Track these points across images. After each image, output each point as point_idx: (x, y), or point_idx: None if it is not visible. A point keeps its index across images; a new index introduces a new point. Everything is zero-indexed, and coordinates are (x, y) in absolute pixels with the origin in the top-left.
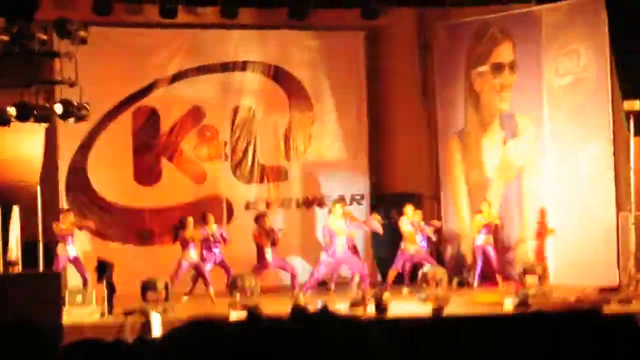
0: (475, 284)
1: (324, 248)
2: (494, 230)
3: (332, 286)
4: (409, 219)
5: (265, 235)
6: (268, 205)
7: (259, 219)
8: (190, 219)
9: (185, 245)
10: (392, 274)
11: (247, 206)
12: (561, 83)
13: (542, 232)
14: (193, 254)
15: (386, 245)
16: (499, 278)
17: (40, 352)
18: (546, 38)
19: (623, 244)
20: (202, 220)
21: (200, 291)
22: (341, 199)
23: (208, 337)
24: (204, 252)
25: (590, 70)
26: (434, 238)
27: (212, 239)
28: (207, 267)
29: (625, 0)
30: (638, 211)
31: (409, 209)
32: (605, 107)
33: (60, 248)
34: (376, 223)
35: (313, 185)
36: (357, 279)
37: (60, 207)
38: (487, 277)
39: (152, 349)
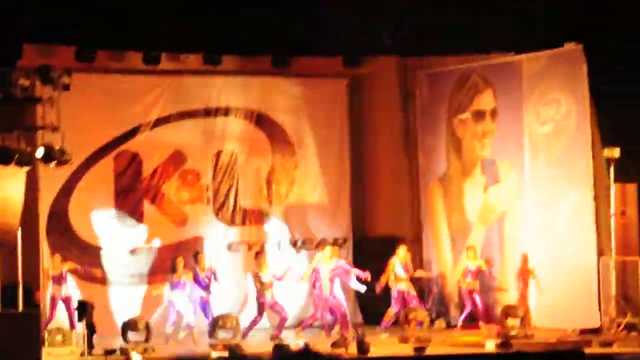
0: (459, 325)
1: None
2: (479, 275)
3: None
4: (401, 260)
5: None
6: (250, 247)
7: (258, 255)
8: (180, 259)
9: (174, 286)
10: (389, 314)
11: (230, 247)
12: (542, 130)
13: (524, 276)
14: (181, 296)
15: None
16: (481, 324)
17: None
18: (527, 86)
19: (604, 288)
20: (194, 260)
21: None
22: (332, 242)
23: None
24: (192, 293)
25: (570, 118)
26: (423, 275)
27: (204, 277)
28: (191, 309)
29: (604, 50)
30: (618, 256)
31: (402, 250)
32: (586, 154)
33: (54, 289)
34: (358, 284)
35: (296, 228)
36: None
37: (40, 249)
38: (472, 321)
39: None
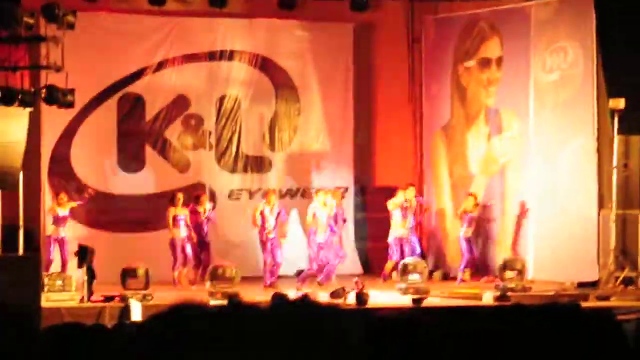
0: (460, 275)
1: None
2: (476, 223)
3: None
4: (402, 203)
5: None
6: (251, 195)
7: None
8: (180, 195)
9: (174, 223)
10: (388, 266)
11: (230, 195)
12: (548, 79)
13: (525, 227)
14: (182, 231)
15: (368, 237)
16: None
17: (18, 334)
18: (534, 34)
19: (603, 241)
20: (195, 201)
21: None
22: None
23: (190, 322)
24: (191, 231)
25: (577, 68)
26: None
27: (203, 217)
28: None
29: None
30: (619, 209)
31: (408, 192)
32: (590, 104)
33: (53, 230)
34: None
35: (297, 176)
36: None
37: (42, 192)
38: (473, 272)
39: (134, 333)
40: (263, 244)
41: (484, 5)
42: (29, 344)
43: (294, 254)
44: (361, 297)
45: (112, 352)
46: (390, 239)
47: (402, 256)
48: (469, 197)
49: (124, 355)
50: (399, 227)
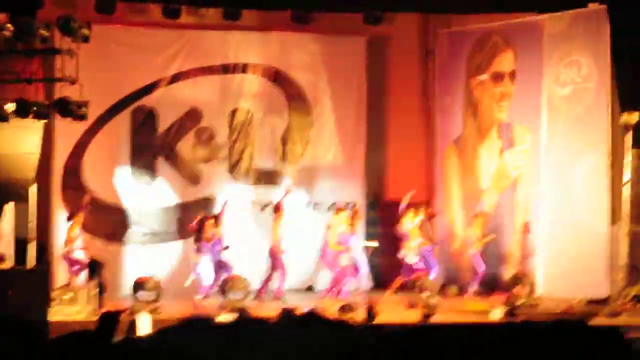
0: (473, 291)
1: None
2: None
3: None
4: (413, 221)
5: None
6: (262, 207)
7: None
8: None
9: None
10: (397, 282)
11: (242, 207)
12: (561, 93)
13: (535, 242)
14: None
15: (380, 251)
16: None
17: (26, 346)
18: (548, 47)
19: (614, 257)
20: (215, 222)
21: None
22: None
23: (199, 336)
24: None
25: (590, 81)
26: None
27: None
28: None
29: (628, 13)
30: (631, 224)
31: (419, 214)
32: (604, 118)
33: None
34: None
35: (308, 189)
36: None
37: (53, 205)
38: (485, 288)
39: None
40: (275, 256)
41: (497, 19)
42: (37, 356)
43: (305, 266)
44: (371, 313)
45: None
46: (404, 256)
47: (413, 272)
48: (478, 218)
49: None
50: (411, 246)
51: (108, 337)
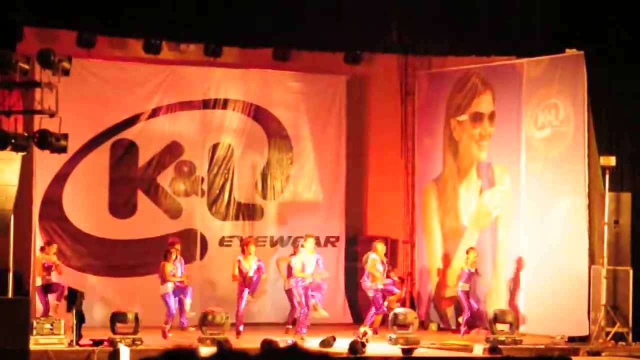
0: (462, 329)
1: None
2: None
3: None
4: (380, 257)
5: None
6: (242, 242)
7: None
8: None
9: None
10: (378, 319)
11: (221, 242)
12: (540, 135)
13: (516, 281)
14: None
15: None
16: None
17: None
18: (526, 90)
19: (594, 297)
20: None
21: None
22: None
23: None
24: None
25: (568, 125)
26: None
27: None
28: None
29: (604, 58)
30: (610, 265)
31: (380, 246)
32: (581, 161)
33: (43, 277)
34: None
35: (288, 225)
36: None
37: (33, 235)
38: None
39: None
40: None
41: (477, 61)
42: None
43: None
44: (354, 347)
45: None
46: (372, 293)
47: (382, 306)
48: (471, 251)
49: None
50: (379, 280)
51: None
